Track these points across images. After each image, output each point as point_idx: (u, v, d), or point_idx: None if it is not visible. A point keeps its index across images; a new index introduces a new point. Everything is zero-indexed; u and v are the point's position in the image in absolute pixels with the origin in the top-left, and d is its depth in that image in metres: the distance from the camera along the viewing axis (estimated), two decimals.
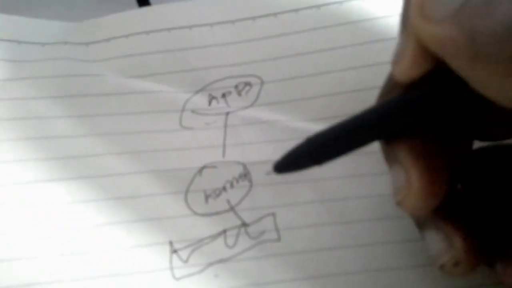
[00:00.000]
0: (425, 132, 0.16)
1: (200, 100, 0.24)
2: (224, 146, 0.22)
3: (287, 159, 0.18)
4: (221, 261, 0.20)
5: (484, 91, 0.11)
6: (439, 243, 0.16)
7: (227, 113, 0.23)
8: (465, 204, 0.18)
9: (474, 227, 0.17)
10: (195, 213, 0.21)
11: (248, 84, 0.24)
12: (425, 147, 0.16)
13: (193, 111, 0.23)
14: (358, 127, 0.15)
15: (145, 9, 0.26)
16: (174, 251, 0.20)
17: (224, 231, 0.20)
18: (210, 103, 0.23)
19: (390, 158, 0.17)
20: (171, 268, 0.20)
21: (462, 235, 0.16)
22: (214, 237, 0.20)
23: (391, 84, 0.17)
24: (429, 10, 0.12)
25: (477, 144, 0.18)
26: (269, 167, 0.22)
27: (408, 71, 0.14)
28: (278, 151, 0.22)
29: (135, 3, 0.27)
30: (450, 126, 0.17)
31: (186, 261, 0.20)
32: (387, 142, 0.17)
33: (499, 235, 0.17)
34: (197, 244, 0.20)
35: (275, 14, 0.25)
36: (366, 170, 0.21)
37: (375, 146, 0.21)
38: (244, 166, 0.22)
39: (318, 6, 0.25)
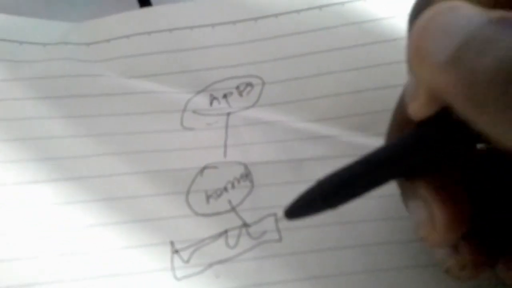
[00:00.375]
0: (442, 165, 0.16)
1: (202, 101, 0.24)
2: (225, 146, 0.22)
3: (298, 204, 0.17)
4: (222, 261, 0.20)
5: (489, 133, 0.11)
6: (442, 250, 0.16)
7: (229, 114, 0.23)
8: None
9: (476, 227, 0.17)
10: (196, 214, 0.21)
11: (249, 84, 0.24)
12: (443, 178, 0.15)
13: (194, 112, 0.23)
14: (373, 166, 0.15)
15: (146, 9, 0.26)
16: (175, 251, 0.20)
17: (225, 232, 0.20)
18: (211, 103, 0.24)
19: (408, 193, 0.16)
20: (172, 269, 0.20)
21: (467, 239, 0.16)
22: (215, 237, 0.20)
23: (399, 121, 0.17)
24: (425, 58, 0.12)
25: None
26: (270, 168, 0.22)
27: (423, 110, 0.14)
28: (280, 152, 0.22)
29: (136, 3, 0.27)
30: (462, 154, 0.16)
31: (187, 262, 0.20)
32: (405, 178, 0.16)
33: (500, 235, 0.17)
34: (198, 244, 0.20)
35: (276, 15, 0.25)
36: None
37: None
38: (245, 166, 0.22)
39: (319, 7, 0.25)
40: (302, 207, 0.17)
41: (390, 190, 0.20)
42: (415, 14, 0.14)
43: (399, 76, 0.17)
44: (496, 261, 0.16)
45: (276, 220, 0.21)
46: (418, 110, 0.14)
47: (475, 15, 0.11)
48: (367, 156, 0.15)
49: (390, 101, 0.17)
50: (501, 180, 0.18)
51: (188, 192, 0.21)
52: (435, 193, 0.15)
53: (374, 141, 0.22)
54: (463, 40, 0.11)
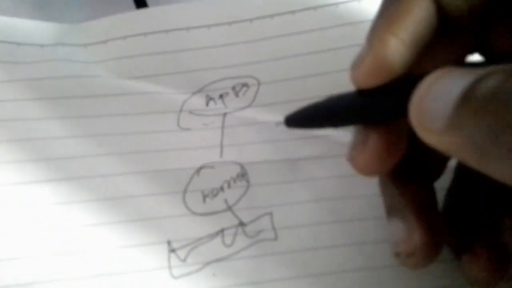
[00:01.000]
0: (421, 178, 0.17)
1: (198, 101, 0.24)
2: (221, 146, 0.22)
3: (302, 113, 0.18)
4: (219, 260, 0.20)
5: (497, 179, 0.12)
6: (400, 232, 0.17)
7: (225, 114, 0.23)
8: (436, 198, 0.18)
9: (444, 220, 0.18)
10: (193, 213, 0.21)
11: (245, 85, 0.24)
12: (425, 202, 0.17)
13: (190, 112, 0.23)
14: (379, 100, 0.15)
15: (142, 11, 0.26)
16: (172, 250, 0.20)
17: (222, 231, 0.21)
18: (207, 104, 0.24)
19: (391, 210, 0.18)
20: (169, 267, 0.20)
21: (423, 230, 0.16)
22: (211, 236, 0.20)
23: None
24: (427, 124, 0.12)
25: None
26: (266, 167, 0.22)
27: (366, 79, 0.15)
28: (275, 151, 0.22)
29: (132, 5, 0.28)
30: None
31: (184, 260, 0.20)
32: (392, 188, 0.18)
33: (467, 229, 0.18)
34: (195, 243, 0.20)
35: (271, 16, 0.25)
36: None
37: None
38: (242, 166, 0.22)
39: (314, 8, 0.25)
40: (304, 117, 0.18)
41: None
42: None
43: None
44: (462, 253, 0.17)
45: (272, 219, 0.21)
46: (355, 79, 0.15)
47: (461, 78, 0.11)
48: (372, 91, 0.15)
49: None
50: (470, 176, 0.18)
51: (184, 192, 0.21)
52: (416, 216, 0.16)
53: None
54: (454, 105, 0.11)
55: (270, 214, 0.21)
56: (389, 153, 0.15)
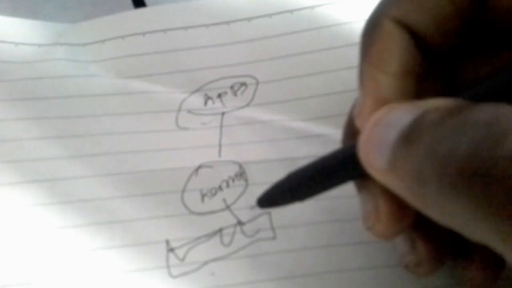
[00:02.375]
0: None
1: (196, 101, 0.24)
2: (220, 145, 0.22)
3: (269, 195, 0.18)
4: (217, 259, 0.20)
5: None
6: (404, 245, 0.17)
7: (223, 113, 0.23)
8: None
9: (431, 226, 0.17)
10: (192, 212, 0.21)
11: (243, 84, 0.24)
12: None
13: (189, 111, 0.23)
14: (329, 168, 0.16)
15: (140, 10, 0.26)
16: (171, 249, 0.20)
17: (220, 230, 0.21)
18: (206, 103, 0.24)
19: (358, 185, 0.17)
20: (168, 267, 0.20)
21: (424, 238, 0.16)
22: (210, 235, 0.20)
23: (350, 129, 0.18)
24: (370, 167, 0.13)
25: None
26: (265, 167, 0.22)
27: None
28: (274, 151, 0.22)
29: (130, 4, 0.28)
30: None
31: (182, 260, 0.20)
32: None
33: (454, 235, 0.17)
34: (193, 242, 0.20)
35: (270, 15, 0.25)
36: None
37: None
38: (240, 165, 0.22)
39: (312, 7, 0.25)
40: (273, 198, 0.18)
41: None
42: (366, 32, 0.15)
43: None
44: (446, 258, 0.17)
45: (271, 218, 0.21)
46: (362, 125, 0.15)
47: (400, 119, 0.12)
48: (330, 155, 0.16)
49: None
50: None
51: (183, 191, 0.21)
52: (381, 186, 0.16)
53: None
54: (390, 149, 0.12)
55: (269, 213, 0.21)
56: (404, 211, 0.15)
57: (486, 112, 0.10)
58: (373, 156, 0.13)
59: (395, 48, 0.14)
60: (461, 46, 0.15)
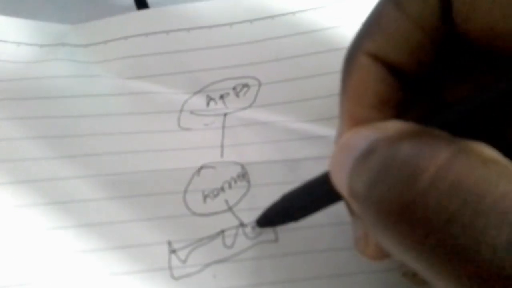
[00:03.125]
0: None
1: (198, 101, 0.24)
2: (222, 146, 0.22)
3: (267, 215, 0.19)
4: (219, 261, 0.20)
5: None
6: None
7: (225, 114, 0.23)
8: None
9: None
10: (194, 213, 0.21)
11: (246, 85, 0.24)
12: None
13: (191, 112, 0.23)
14: (320, 190, 0.16)
15: (143, 11, 0.26)
16: (173, 251, 0.20)
17: (222, 231, 0.20)
18: (208, 104, 0.24)
19: (350, 210, 0.18)
20: (170, 268, 0.20)
21: None
22: (212, 237, 0.20)
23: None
24: (340, 187, 0.13)
25: None
26: (267, 168, 0.22)
27: None
28: (276, 152, 0.22)
29: (133, 6, 0.28)
30: None
31: (184, 261, 0.20)
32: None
33: None
34: (195, 244, 0.20)
35: (272, 17, 0.25)
36: None
37: None
38: (242, 166, 0.22)
39: (315, 9, 0.25)
40: (270, 219, 0.19)
41: None
42: (344, 66, 0.15)
43: None
44: None
45: None
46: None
47: (356, 146, 0.12)
48: (317, 178, 0.16)
49: None
50: None
51: (185, 192, 0.21)
52: None
53: None
54: (347, 175, 0.12)
55: None
56: None
57: (410, 146, 0.11)
58: (338, 181, 0.13)
59: (371, 81, 0.14)
60: (440, 71, 0.15)
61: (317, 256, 0.20)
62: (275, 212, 0.19)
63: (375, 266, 0.20)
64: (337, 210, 0.21)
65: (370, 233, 0.15)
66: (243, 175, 0.22)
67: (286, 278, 0.20)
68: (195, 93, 0.24)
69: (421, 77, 0.15)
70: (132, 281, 0.19)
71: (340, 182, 0.13)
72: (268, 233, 0.20)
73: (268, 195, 0.21)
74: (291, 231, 0.20)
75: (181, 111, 0.23)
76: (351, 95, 0.15)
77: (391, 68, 0.14)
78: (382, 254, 0.15)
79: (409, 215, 0.10)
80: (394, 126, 0.12)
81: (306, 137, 0.22)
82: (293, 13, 0.25)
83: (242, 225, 0.21)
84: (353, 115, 0.15)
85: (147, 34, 0.25)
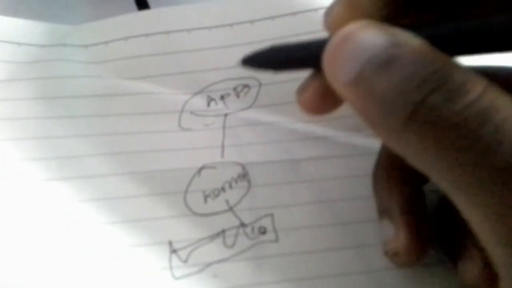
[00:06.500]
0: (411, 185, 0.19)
1: (199, 102, 0.24)
2: (222, 147, 0.22)
3: (252, 56, 0.20)
4: (220, 261, 0.20)
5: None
6: (388, 232, 0.18)
7: (226, 115, 0.23)
8: (425, 207, 0.19)
9: (427, 229, 0.19)
10: (194, 213, 0.21)
11: (246, 86, 0.24)
12: (412, 205, 0.18)
13: (192, 112, 0.23)
14: (307, 52, 0.17)
15: (144, 12, 0.27)
16: (174, 251, 0.20)
17: (223, 231, 0.20)
18: (208, 104, 0.24)
19: (382, 212, 0.19)
20: (171, 268, 0.20)
21: (408, 230, 0.18)
22: (213, 237, 0.20)
23: None
24: (336, 75, 0.14)
25: None
26: (268, 168, 0.22)
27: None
28: (276, 152, 0.22)
29: (134, 6, 0.28)
30: None
31: (185, 261, 0.20)
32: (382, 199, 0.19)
33: (460, 232, 0.18)
34: (196, 244, 0.20)
35: (273, 18, 0.25)
36: (363, 171, 0.21)
37: (373, 148, 0.21)
38: (243, 166, 0.22)
39: (315, 9, 0.25)
40: (253, 61, 0.20)
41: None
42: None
43: None
44: (458, 259, 0.18)
45: (273, 220, 0.21)
46: (330, 27, 0.17)
47: (374, 40, 0.13)
48: (308, 44, 0.18)
49: None
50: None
51: (186, 192, 0.21)
52: (403, 215, 0.18)
53: (369, 141, 0.22)
54: (361, 65, 0.13)
55: (271, 215, 0.21)
56: (323, 101, 0.17)
57: (447, 67, 0.12)
58: (339, 69, 0.14)
59: None
60: None
61: (317, 256, 0.20)
62: (261, 55, 0.20)
63: (376, 266, 0.20)
64: (337, 210, 0.21)
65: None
66: (244, 176, 0.22)
67: (287, 278, 0.20)
68: (196, 93, 0.24)
69: None
70: (132, 281, 0.19)
71: (340, 70, 0.14)
72: (269, 233, 0.20)
73: (268, 196, 0.21)
74: (291, 231, 0.20)
75: (181, 111, 0.23)
76: None
77: None
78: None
79: (453, 120, 0.12)
80: (414, 39, 0.13)
81: (306, 138, 0.22)
82: (293, 14, 0.25)
83: (242, 225, 0.21)
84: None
85: (148, 34, 0.25)
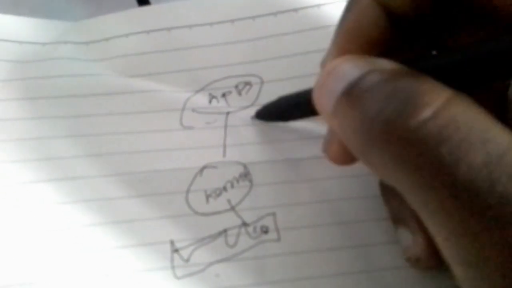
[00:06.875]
0: None
1: (201, 100, 0.24)
2: (224, 146, 0.22)
3: (263, 111, 0.22)
4: (222, 260, 0.20)
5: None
6: (407, 239, 0.18)
7: (228, 113, 0.23)
8: None
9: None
10: (196, 213, 0.21)
11: (248, 83, 0.24)
12: None
13: (193, 110, 0.23)
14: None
15: (145, 8, 0.26)
16: (175, 250, 0.20)
17: (225, 231, 0.21)
18: (210, 102, 0.24)
19: (395, 219, 0.19)
20: (173, 267, 0.20)
21: (425, 237, 0.17)
22: (215, 236, 0.20)
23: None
24: (322, 107, 0.15)
25: None
26: (269, 167, 0.22)
27: None
28: (278, 151, 0.22)
29: (135, 2, 0.27)
30: None
31: (187, 261, 0.20)
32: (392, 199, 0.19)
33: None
34: (198, 243, 0.20)
35: (274, 14, 0.25)
36: (364, 171, 0.21)
37: None
38: (245, 166, 0.22)
39: (317, 6, 0.25)
40: (265, 115, 0.22)
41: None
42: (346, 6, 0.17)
43: None
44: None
45: (275, 220, 0.21)
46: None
47: (350, 70, 0.14)
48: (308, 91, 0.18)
49: None
50: None
51: (187, 192, 0.21)
52: (418, 222, 0.17)
53: None
54: (339, 95, 0.14)
55: (273, 214, 0.21)
56: (349, 152, 0.17)
57: (410, 82, 0.12)
58: (323, 101, 0.15)
59: (367, 20, 0.16)
60: (436, 21, 0.16)
61: (319, 256, 0.20)
62: (271, 108, 0.21)
63: (378, 265, 0.20)
64: (339, 209, 0.21)
65: (335, 140, 0.18)
66: (246, 175, 0.22)
67: (289, 277, 0.20)
68: (197, 91, 0.24)
69: (416, 24, 0.16)
70: (135, 280, 0.20)
71: (324, 103, 0.15)
72: (271, 232, 0.20)
73: (270, 195, 0.21)
74: (293, 231, 0.20)
75: (183, 109, 0.23)
76: (346, 29, 0.16)
77: (389, 12, 0.16)
78: (340, 161, 0.18)
79: (408, 137, 0.12)
80: (388, 63, 0.14)
81: (308, 137, 0.22)
82: (296, 10, 0.25)
83: (244, 224, 0.21)
84: (342, 48, 0.16)
85: (149, 31, 0.25)
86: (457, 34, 0.17)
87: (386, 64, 0.14)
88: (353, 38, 0.16)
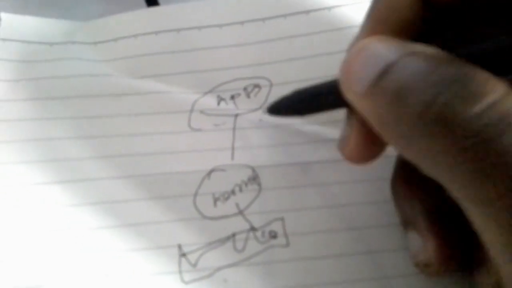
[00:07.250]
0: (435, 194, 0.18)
1: (209, 101, 0.23)
2: (232, 148, 0.22)
3: (276, 106, 0.20)
4: (230, 265, 0.20)
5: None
6: (416, 244, 0.18)
7: (236, 115, 0.23)
8: (450, 213, 0.18)
9: (455, 235, 0.18)
10: (204, 217, 0.21)
11: (257, 86, 0.24)
12: (436, 213, 0.18)
13: (201, 112, 0.23)
14: (330, 93, 0.17)
15: (153, 9, 0.26)
16: (183, 254, 0.20)
17: (233, 235, 0.20)
18: (219, 104, 0.23)
19: (406, 223, 0.19)
20: (180, 272, 0.20)
21: (436, 242, 0.17)
22: (223, 241, 0.20)
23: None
24: (351, 86, 0.14)
25: None
26: (278, 171, 0.22)
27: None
28: (287, 155, 0.22)
29: (143, 3, 0.27)
30: None
31: (195, 265, 0.20)
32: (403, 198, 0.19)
33: (477, 245, 0.17)
34: (205, 248, 0.20)
35: (284, 16, 0.25)
36: (375, 175, 0.21)
37: (386, 152, 0.20)
38: (253, 169, 0.22)
39: (328, 8, 0.25)
40: (278, 109, 0.20)
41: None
42: None
43: None
44: (455, 262, 0.18)
45: (284, 225, 0.20)
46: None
47: (387, 49, 0.13)
48: (327, 83, 0.17)
49: None
50: None
51: (195, 195, 0.21)
52: (430, 226, 0.17)
53: None
54: (375, 76, 0.13)
55: (282, 219, 0.21)
56: (368, 149, 0.17)
57: (463, 70, 0.12)
58: (352, 79, 0.14)
59: (400, 5, 0.15)
60: (469, 10, 0.16)
61: (328, 262, 0.20)
62: (285, 103, 0.20)
63: (386, 272, 0.19)
64: (348, 215, 0.21)
65: (353, 136, 0.17)
66: (254, 178, 0.21)
67: (297, 283, 0.19)
68: (206, 93, 0.24)
69: (450, 9, 0.15)
70: (142, 284, 0.19)
71: (354, 83, 0.14)
72: (279, 237, 0.20)
73: (279, 199, 0.21)
74: (302, 236, 0.20)
75: (191, 111, 0.23)
76: (378, 11, 0.16)
77: None
78: (356, 159, 0.17)
79: (467, 126, 0.11)
80: (427, 48, 0.13)
81: (317, 140, 0.22)
82: (307, 12, 0.25)
83: (253, 229, 0.20)
84: (373, 31, 0.15)
85: (157, 32, 0.25)
86: (488, 25, 0.16)
87: (425, 49, 0.13)
88: (385, 20, 0.15)
